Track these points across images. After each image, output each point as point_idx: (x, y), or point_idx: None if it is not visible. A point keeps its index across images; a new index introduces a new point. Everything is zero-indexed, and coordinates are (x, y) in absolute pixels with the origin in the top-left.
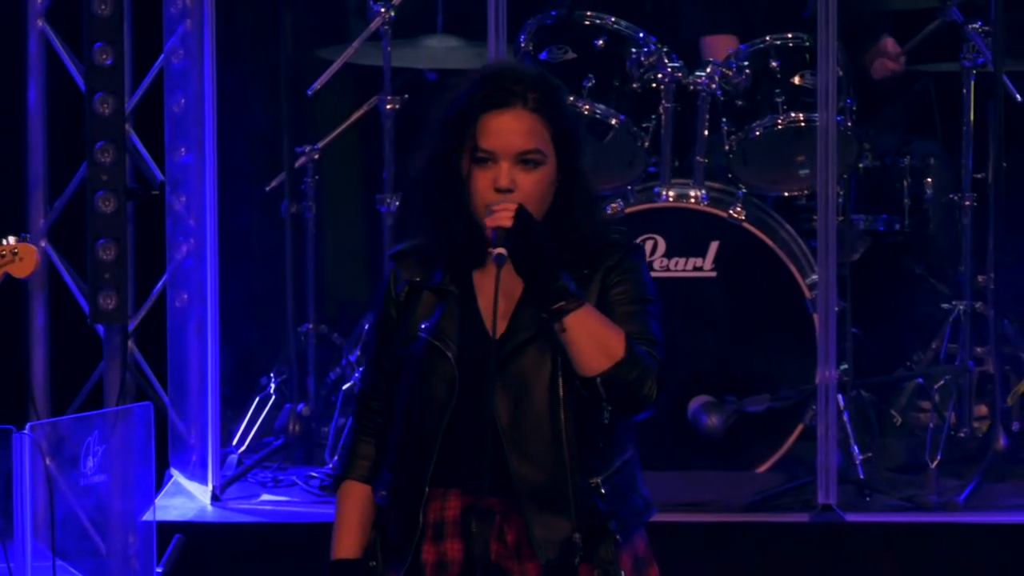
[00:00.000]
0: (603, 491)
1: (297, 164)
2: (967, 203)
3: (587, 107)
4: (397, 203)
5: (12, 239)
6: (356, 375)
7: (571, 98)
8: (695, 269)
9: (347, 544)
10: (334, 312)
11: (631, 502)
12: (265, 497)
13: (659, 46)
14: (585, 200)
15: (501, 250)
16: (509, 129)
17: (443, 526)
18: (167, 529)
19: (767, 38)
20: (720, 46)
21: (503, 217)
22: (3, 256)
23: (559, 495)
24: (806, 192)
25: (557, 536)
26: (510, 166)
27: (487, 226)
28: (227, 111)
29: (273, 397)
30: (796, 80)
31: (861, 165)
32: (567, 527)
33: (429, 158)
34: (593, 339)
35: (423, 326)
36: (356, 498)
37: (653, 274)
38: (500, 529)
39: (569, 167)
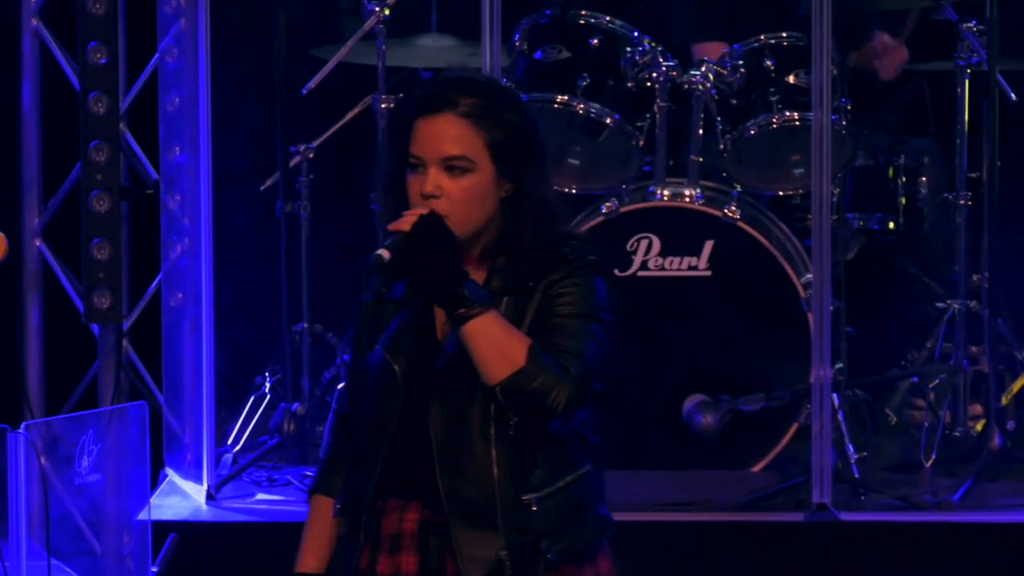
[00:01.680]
0: (535, 508)
1: (291, 163)
2: (961, 202)
3: (581, 106)
4: None
5: None
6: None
7: (564, 98)
8: (690, 268)
9: (309, 559)
10: (329, 311)
11: (579, 521)
12: (260, 496)
13: (653, 45)
14: (535, 214)
15: (382, 251)
16: (436, 134)
17: (400, 539)
18: (162, 528)
19: (761, 37)
20: (711, 53)
21: (405, 221)
22: None
23: (487, 511)
24: (801, 191)
25: (485, 554)
26: (436, 172)
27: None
28: (221, 110)
29: (268, 396)
30: (791, 79)
31: (856, 164)
32: (495, 545)
33: (382, 167)
34: (494, 347)
35: (381, 338)
36: (323, 512)
37: (647, 273)
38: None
39: (515, 178)
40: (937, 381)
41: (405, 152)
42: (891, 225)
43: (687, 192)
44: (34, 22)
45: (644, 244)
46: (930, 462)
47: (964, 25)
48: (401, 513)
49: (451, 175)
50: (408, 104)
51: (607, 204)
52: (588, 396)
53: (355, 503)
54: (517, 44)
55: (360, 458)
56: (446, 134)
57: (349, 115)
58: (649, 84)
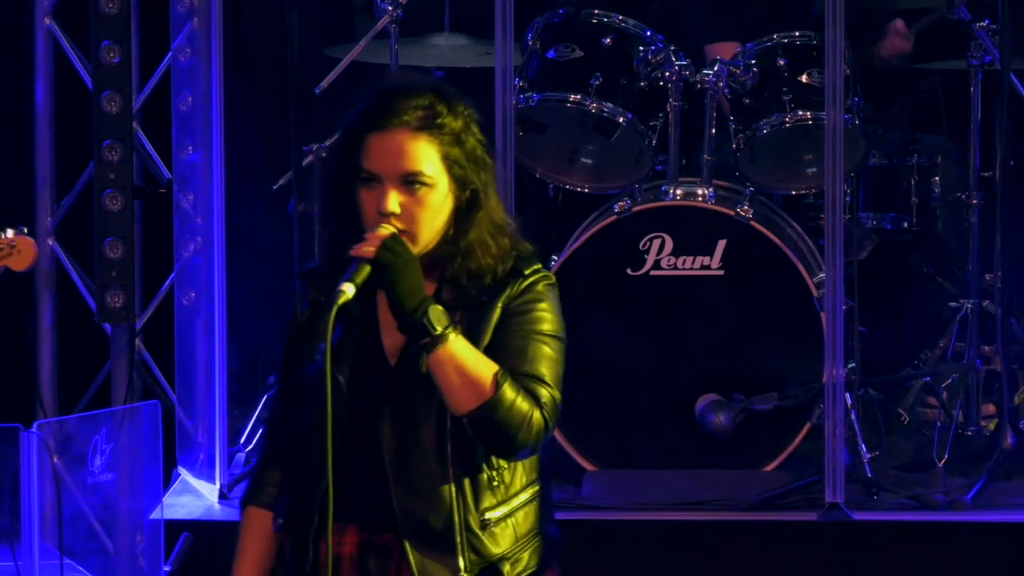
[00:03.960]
0: (494, 530)
1: (304, 162)
2: (975, 202)
3: (594, 105)
4: None
5: (11, 232)
6: None
7: (577, 97)
8: (702, 268)
9: (246, 574)
10: None
11: (532, 541)
12: None
13: (666, 44)
14: (486, 226)
15: (343, 287)
16: (391, 151)
17: (339, 562)
18: (175, 527)
19: (774, 36)
20: (724, 53)
21: (367, 248)
22: (1, 250)
23: (445, 533)
24: (813, 190)
25: None
26: (394, 188)
27: (349, 255)
28: (234, 109)
29: None
30: (803, 78)
31: (869, 163)
32: (454, 567)
33: (324, 176)
34: (460, 377)
35: (320, 348)
36: (259, 526)
37: (660, 272)
38: (399, 565)
39: (468, 187)
40: (950, 380)
41: (354, 166)
42: (904, 224)
43: (700, 191)
44: (47, 21)
45: (657, 243)
46: (943, 461)
47: (977, 25)
48: (340, 536)
49: (409, 191)
50: (358, 115)
51: (620, 203)
52: (555, 421)
53: (300, 519)
54: (530, 43)
55: (301, 471)
56: (402, 150)
57: None
58: (662, 83)
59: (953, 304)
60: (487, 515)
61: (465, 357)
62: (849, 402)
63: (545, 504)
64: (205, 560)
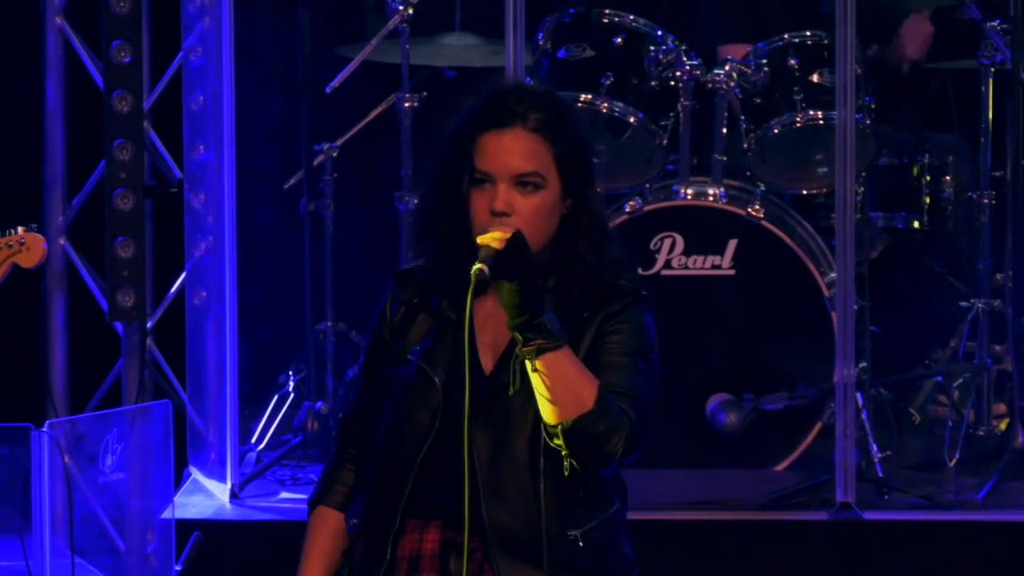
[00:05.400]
0: (581, 545)
1: (315, 162)
2: (985, 201)
3: (605, 105)
4: (415, 201)
5: (20, 229)
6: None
7: (587, 96)
8: (713, 267)
9: (312, 574)
10: (353, 310)
11: (610, 560)
12: (284, 495)
13: (677, 44)
14: (594, 232)
15: (481, 265)
16: (506, 150)
17: (419, 560)
18: (186, 527)
19: (785, 36)
20: (735, 53)
21: (492, 238)
22: (10, 246)
23: (533, 545)
24: (824, 190)
25: None
26: (507, 188)
27: (477, 243)
28: (245, 109)
29: (292, 395)
30: (814, 78)
31: (880, 163)
32: None
33: (431, 179)
34: (564, 384)
35: (414, 349)
36: (328, 525)
37: (671, 272)
38: (480, 567)
39: (576, 194)
40: (961, 380)
41: (466, 165)
42: (915, 224)
43: (711, 191)
44: (58, 21)
45: (668, 243)
46: (954, 461)
47: (988, 24)
48: (421, 533)
49: (522, 192)
50: (472, 116)
51: (631, 203)
52: (642, 441)
53: (379, 519)
54: (541, 42)
55: (387, 469)
56: (516, 149)
57: (373, 114)
58: (673, 83)
59: (964, 303)
60: (573, 529)
61: (572, 365)
62: (860, 402)
63: (623, 522)
64: (216, 560)
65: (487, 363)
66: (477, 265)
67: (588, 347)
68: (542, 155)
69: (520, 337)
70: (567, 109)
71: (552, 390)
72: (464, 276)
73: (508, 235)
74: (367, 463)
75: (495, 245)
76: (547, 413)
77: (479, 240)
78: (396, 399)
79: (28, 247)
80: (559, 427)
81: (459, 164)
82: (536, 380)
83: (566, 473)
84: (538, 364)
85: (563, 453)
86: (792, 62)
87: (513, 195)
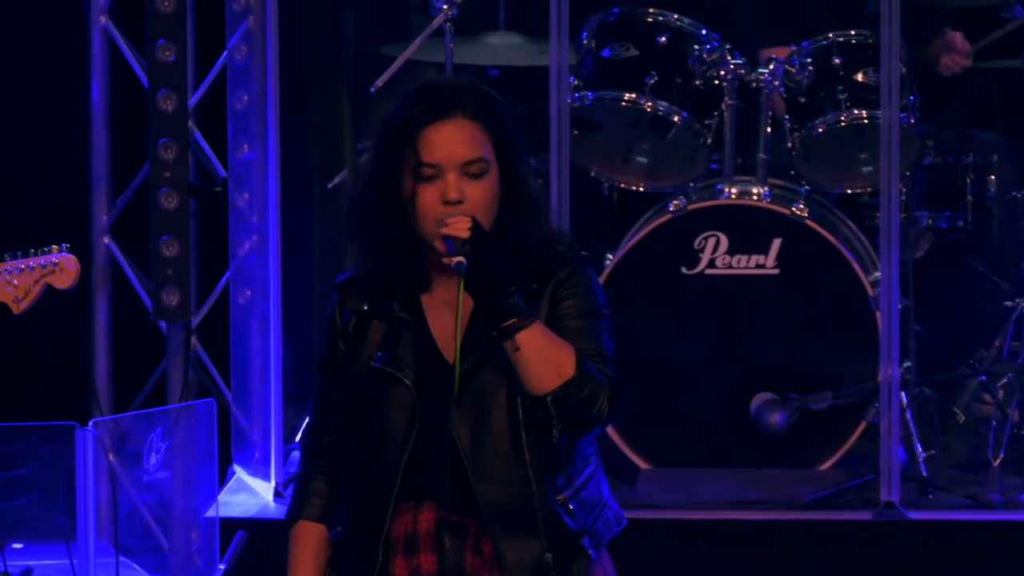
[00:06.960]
0: (571, 507)
1: (360, 161)
2: None
3: (649, 104)
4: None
5: (54, 248)
6: None
7: (632, 96)
8: (757, 267)
9: None
10: None
11: (602, 516)
12: None
13: (721, 43)
14: (531, 209)
15: (460, 258)
16: (452, 139)
17: (416, 540)
18: (230, 526)
19: (830, 35)
20: (779, 53)
21: (459, 228)
22: (44, 267)
23: (527, 516)
24: (869, 189)
25: (528, 558)
26: (456, 177)
27: (442, 235)
28: (290, 108)
29: None
30: (859, 77)
31: (924, 162)
32: (537, 548)
33: (366, 181)
34: (543, 357)
35: (377, 356)
36: (310, 538)
37: (715, 271)
38: (476, 540)
39: (513, 175)
40: (1005, 379)
41: (409, 162)
42: (959, 223)
43: (755, 190)
44: (103, 20)
45: (712, 242)
46: (998, 460)
47: None
48: (415, 514)
49: (470, 179)
50: (409, 113)
51: (675, 202)
52: (620, 397)
53: (370, 522)
54: (585, 42)
55: (370, 475)
56: (460, 138)
57: None
58: (717, 82)
59: (1008, 303)
60: (563, 493)
61: (547, 337)
62: (904, 401)
63: (603, 480)
64: (260, 558)
65: (447, 351)
66: (456, 258)
67: (546, 317)
68: (483, 141)
69: (496, 320)
70: (494, 96)
71: (533, 364)
72: (412, 275)
73: (469, 222)
74: (348, 472)
75: (464, 235)
76: (531, 387)
77: (444, 232)
78: (368, 408)
79: (62, 268)
80: (546, 398)
81: (400, 162)
82: (516, 358)
83: (554, 440)
84: (517, 343)
85: (552, 422)
86: (836, 61)
87: (463, 183)
